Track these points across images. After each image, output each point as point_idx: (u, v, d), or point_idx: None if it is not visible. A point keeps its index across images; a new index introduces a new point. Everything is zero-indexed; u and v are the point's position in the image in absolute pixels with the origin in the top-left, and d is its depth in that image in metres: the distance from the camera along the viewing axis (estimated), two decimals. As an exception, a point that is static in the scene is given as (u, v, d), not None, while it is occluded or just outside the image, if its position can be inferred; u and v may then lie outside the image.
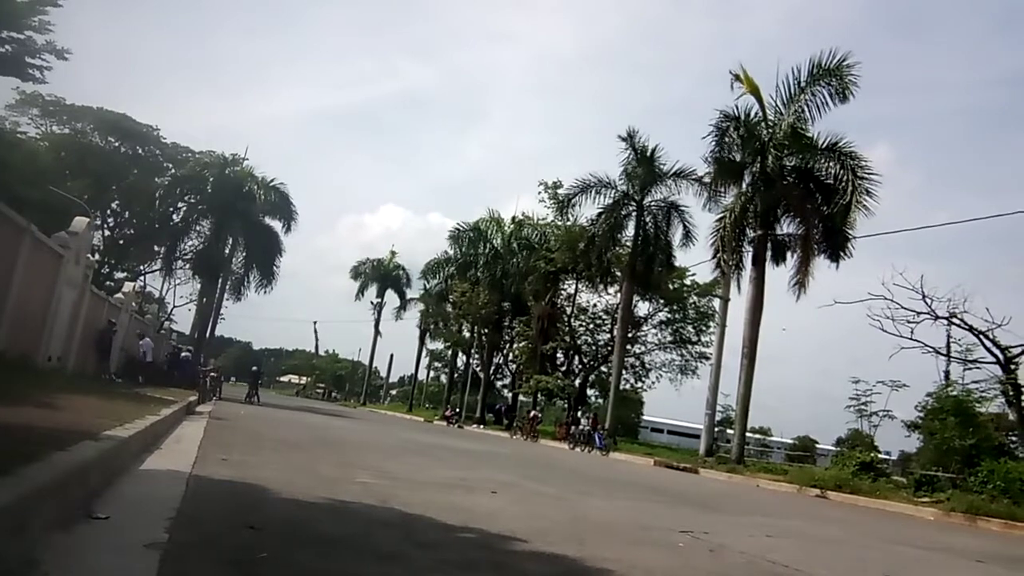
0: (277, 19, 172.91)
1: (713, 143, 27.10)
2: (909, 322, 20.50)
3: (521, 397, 50.06)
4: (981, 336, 19.62)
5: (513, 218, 48.27)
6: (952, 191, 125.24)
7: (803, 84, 25.69)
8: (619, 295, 37.75)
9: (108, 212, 39.22)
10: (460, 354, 54.85)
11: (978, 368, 20.31)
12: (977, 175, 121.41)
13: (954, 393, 20.17)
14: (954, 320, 20.07)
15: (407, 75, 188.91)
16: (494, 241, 48.49)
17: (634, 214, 34.18)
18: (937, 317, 20.30)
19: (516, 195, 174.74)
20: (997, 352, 19.51)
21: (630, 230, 34.57)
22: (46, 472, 3.52)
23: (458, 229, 50.09)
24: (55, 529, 3.41)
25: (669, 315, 43.17)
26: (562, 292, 44.96)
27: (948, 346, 21.36)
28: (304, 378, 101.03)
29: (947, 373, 21.59)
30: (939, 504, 15.98)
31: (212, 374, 29.58)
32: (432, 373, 69.41)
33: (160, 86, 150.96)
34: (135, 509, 4.47)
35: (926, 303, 20.19)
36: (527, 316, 44.87)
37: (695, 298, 41.41)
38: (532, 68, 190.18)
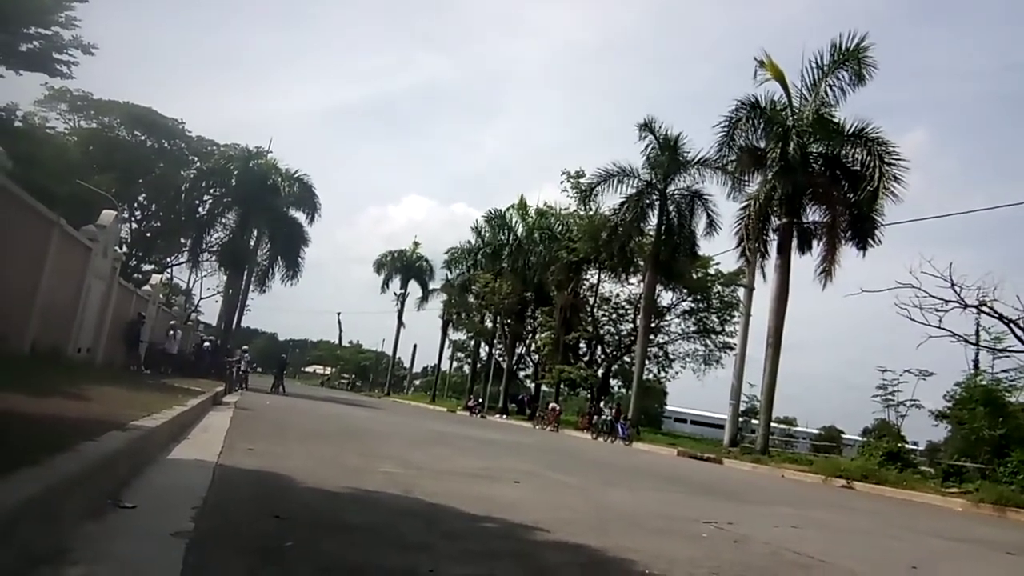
0: (295, 12, 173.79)
1: (723, 133, 26.93)
2: (937, 310, 20.17)
3: (544, 387, 50.12)
4: (1011, 324, 19.25)
5: (537, 209, 48.26)
6: (986, 177, 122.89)
7: (825, 69, 25.38)
8: (642, 285, 37.61)
9: (135, 205, 39.75)
10: (483, 344, 54.97)
11: (1008, 357, 19.96)
12: (1011, 160, 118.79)
13: (983, 382, 19.85)
14: (983, 308, 19.70)
15: (425, 67, 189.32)
16: (517, 230, 48.49)
17: (657, 203, 33.97)
18: (966, 305, 19.94)
19: (538, 185, 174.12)
20: (1028, 341, 19.15)
21: (653, 219, 34.41)
22: (75, 462, 3.57)
23: (492, 213, 50.14)
24: (84, 518, 3.47)
25: (693, 305, 42.96)
26: (585, 282, 44.90)
27: (977, 335, 20.97)
28: (329, 368, 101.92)
29: (976, 362, 21.24)
30: (968, 495, 15.77)
31: (239, 364, 29.87)
32: (455, 363, 69.67)
33: (179, 80, 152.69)
34: (162, 498, 4.53)
35: (955, 291, 19.84)
36: (550, 306, 44.87)
37: (719, 287, 41.15)
38: (550, 59, 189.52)
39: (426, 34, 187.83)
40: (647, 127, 32.57)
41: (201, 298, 51.85)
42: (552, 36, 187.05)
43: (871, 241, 25.75)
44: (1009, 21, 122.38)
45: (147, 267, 40.83)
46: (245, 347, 35.05)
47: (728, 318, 41.67)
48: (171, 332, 27.95)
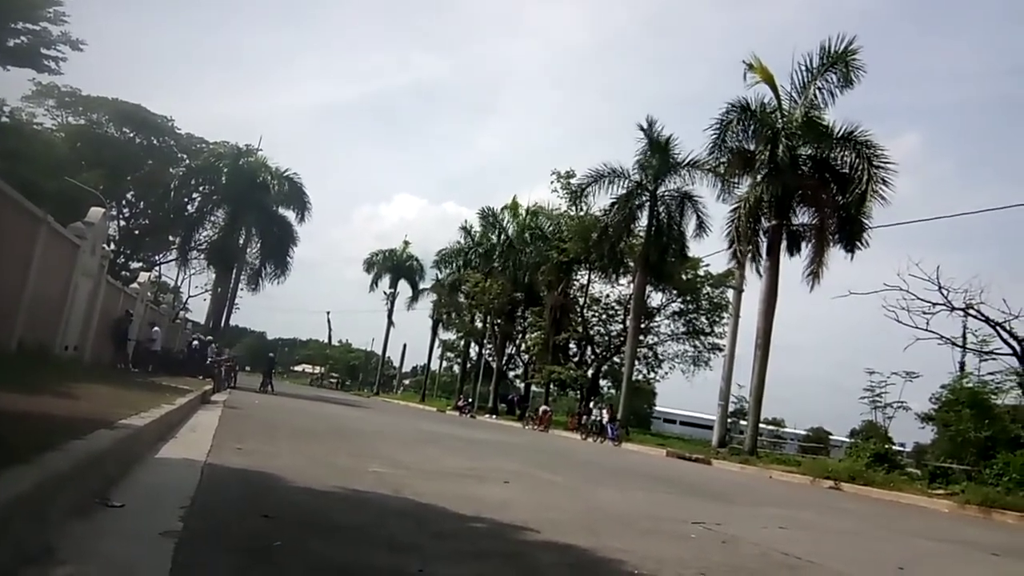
0: (291, 11, 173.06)
1: (714, 135, 26.98)
2: (925, 313, 20.38)
3: (534, 387, 50.16)
4: (997, 327, 19.47)
5: (528, 209, 48.26)
6: (981, 180, 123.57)
7: (815, 72, 25.49)
8: (632, 285, 37.67)
9: (123, 202, 39.51)
10: (473, 344, 54.94)
11: (994, 359, 20.16)
12: (1007, 164, 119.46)
13: (969, 384, 19.99)
14: (970, 311, 19.92)
15: (421, 67, 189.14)
16: (508, 230, 48.49)
17: (647, 204, 34.01)
18: (953, 308, 20.16)
19: (534, 185, 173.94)
20: (1014, 343, 19.35)
21: (643, 220, 34.43)
22: (63, 460, 3.55)
23: (486, 210, 50.04)
24: (72, 516, 3.45)
25: (682, 306, 43.09)
26: (575, 282, 44.95)
27: (964, 337, 21.16)
28: (318, 368, 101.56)
29: (962, 364, 21.41)
30: (954, 496, 15.87)
31: (227, 363, 29.66)
32: (445, 363, 69.60)
33: (173, 77, 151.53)
34: (150, 497, 4.51)
35: (942, 294, 20.07)
36: (540, 306, 44.90)
37: (708, 289, 41.29)
38: (548, 59, 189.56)
39: (423, 34, 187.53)
40: (648, 127, 32.62)
41: (190, 296, 51.65)
42: (550, 36, 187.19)
43: (859, 244, 25.84)
44: (1008, 23, 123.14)
45: (135, 265, 40.57)
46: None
47: (717, 319, 41.84)
48: (151, 328, 27.70)
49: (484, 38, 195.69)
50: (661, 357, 44.84)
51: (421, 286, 63.05)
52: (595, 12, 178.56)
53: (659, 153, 32.78)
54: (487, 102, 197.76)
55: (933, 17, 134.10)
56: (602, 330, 45.87)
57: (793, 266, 27.33)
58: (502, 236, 48.79)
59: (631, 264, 37.05)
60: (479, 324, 51.47)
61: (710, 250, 38.95)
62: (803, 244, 27.17)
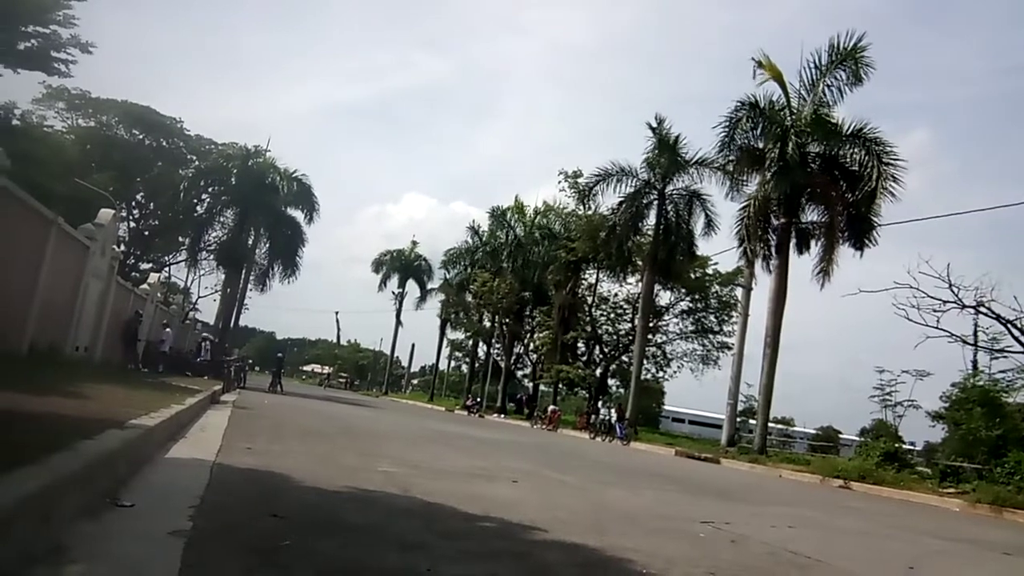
0: (295, 12, 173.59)
1: (723, 133, 26.88)
2: (935, 311, 20.21)
3: (542, 387, 50.12)
4: (1009, 325, 19.29)
5: (535, 209, 48.28)
6: (988, 176, 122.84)
7: (823, 69, 25.41)
8: (640, 284, 37.60)
9: (133, 204, 39.74)
10: (481, 344, 54.97)
11: (1005, 357, 20.00)
12: (1012, 162, 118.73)
13: (980, 383, 19.87)
14: (981, 309, 19.75)
15: (424, 67, 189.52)
16: (516, 230, 48.50)
17: (655, 203, 33.94)
18: (964, 306, 19.98)
19: (539, 184, 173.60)
20: (1025, 341, 19.18)
21: (651, 219, 34.38)
22: (73, 460, 3.57)
23: (496, 210, 50.02)
24: (81, 516, 3.47)
25: (691, 304, 42.98)
26: (583, 281, 44.89)
27: (975, 335, 21.02)
28: (327, 368, 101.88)
29: (974, 363, 21.26)
30: (964, 495, 15.79)
31: (237, 363, 29.77)
32: (453, 363, 69.64)
33: (178, 79, 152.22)
34: (160, 497, 4.53)
35: (952, 292, 19.88)
36: (548, 306, 44.87)
37: (717, 287, 41.17)
38: (551, 59, 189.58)
39: (427, 34, 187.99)
40: (658, 125, 32.51)
41: (199, 297, 51.80)
42: (552, 36, 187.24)
43: (868, 241, 25.72)
44: (1009, 24, 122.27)
45: (145, 266, 40.79)
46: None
47: (726, 318, 41.73)
48: (164, 330, 27.86)
49: (488, 38, 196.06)
50: (670, 356, 44.75)
51: (429, 286, 63.19)
52: (596, 12, 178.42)
53: (667, 151, 32.67)
54: (492, 101, 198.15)
55: (934, 16, 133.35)
56: (610, 329, 45.81)
57: (803, 264, 27.27)
58: (510, 235, 48.80)
59: (639, 263, 36.96)
60: (487, 323, 51.51)
61: (719, 248, 38.83)
62: (812, 242, 27.08)
